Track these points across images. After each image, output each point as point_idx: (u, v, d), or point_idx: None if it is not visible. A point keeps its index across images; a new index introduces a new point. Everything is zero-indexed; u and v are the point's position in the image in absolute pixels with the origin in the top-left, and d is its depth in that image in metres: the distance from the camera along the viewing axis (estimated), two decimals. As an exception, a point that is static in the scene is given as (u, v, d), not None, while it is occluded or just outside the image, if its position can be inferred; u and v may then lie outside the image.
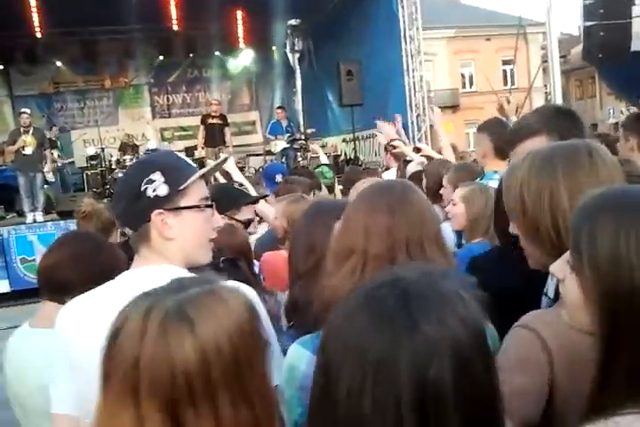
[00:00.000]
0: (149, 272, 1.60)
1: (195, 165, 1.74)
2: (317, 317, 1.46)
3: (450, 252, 1.64)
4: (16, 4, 13.29)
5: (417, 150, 5.23)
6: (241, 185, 3.60)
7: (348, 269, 1.50)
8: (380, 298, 0.89)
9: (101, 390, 1.04)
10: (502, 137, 3.57)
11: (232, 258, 2.79)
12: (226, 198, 3.16)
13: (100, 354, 1.06)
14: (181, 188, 1.61)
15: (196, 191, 1.65)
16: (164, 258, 1.62)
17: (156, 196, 1.58)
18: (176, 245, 1.62)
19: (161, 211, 1.59)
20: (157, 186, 1.58)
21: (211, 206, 1.70)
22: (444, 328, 0.85)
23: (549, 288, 1.70)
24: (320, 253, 1.80)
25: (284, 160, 12.75)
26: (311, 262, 1.89)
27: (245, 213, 3.28)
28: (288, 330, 2.02)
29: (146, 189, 1.58)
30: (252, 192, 3.68)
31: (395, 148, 5.47)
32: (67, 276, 2.09)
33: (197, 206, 1.65)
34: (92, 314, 1.52)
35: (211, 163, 1.86)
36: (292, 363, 1.52)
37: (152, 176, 1.58)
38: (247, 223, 3.27)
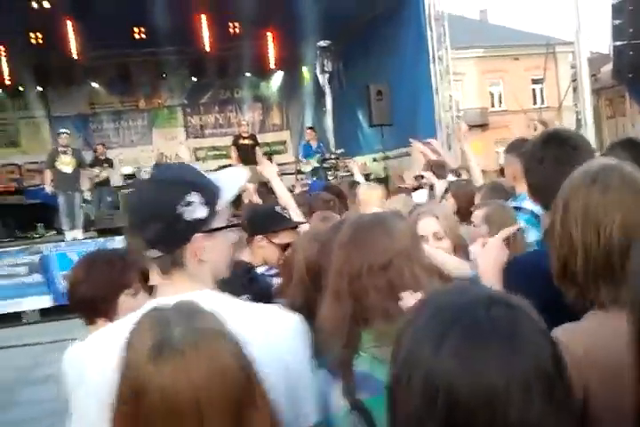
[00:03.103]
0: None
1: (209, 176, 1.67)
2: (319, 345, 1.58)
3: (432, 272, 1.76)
4: (54, 26, 13.74)
5: (457, 174, 5.36)
6: (284, 209, 3.39)
7: (328, 302, 1.65)
8: (478, 319, 0.93)
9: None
10: None
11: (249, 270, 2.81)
12: (263, 221, 3.17)
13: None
14: (218, 209, 1.54)
15: (225, 210, 1.59)
16: (198, 281, 1.54)
17: (194, 219, 1.48)
18: (208, 266, 1.55)
19: (201, 234, 1.50)
20: (196, 208, 1.48)
21: (238, 225, 1.69)
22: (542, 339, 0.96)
23: None
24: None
25: (314, 179, 12.99)
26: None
27: (284, 237, 3.19)
28: None
29: (183, 211, 1.47)
30: (296, 216, 3.55)
31: (422, 177, 5.62)
32: (82, 294, 2.24)
33: (230, 226, 1.60)
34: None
35: (231, 177, 1.71)
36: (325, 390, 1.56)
37: (188, 198, 1.47)
38: (285, 247, 3.15)
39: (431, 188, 5.45)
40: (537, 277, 1.66)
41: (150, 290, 2.33)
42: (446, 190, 4.57)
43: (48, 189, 11.59)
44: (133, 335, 1.12)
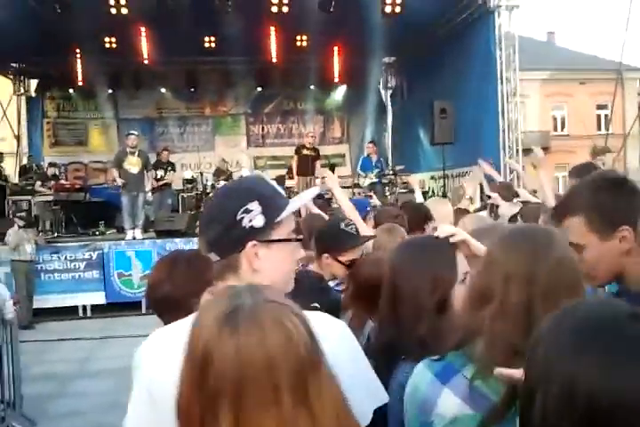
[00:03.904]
0: None
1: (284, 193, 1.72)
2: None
3: None
4: (128, 32, 14.20)
5: (515, 195, 5.32)
6: (348, 224, 3.21)
7: (488, 316, 1.49)
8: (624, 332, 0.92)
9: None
10: None
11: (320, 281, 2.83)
12: (329, 241, 3.07)
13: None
14: (277, 220, 1.57)
15: (288, 223, 1.62)
16: None
17: (251, 226, 1.54)
18: (262, 276, 1.57)
19: (256, 242, 1.55)
20: (254, 216, 1.54)
21: (300, 240, 1.67)
22: None
23: None
24: (445, 288, 1.82)
25: (371, 194, 12.99)
26: (436, 298, 1.85)
27: (349, 255, 3.07)
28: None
29: (242, 218, 1.54)
30: (363, 230, 3.43)
31: (490, 197, 5.59)
32: (164, 293, 2.28)
33: (289, 240, 1.61)
34: (176, 348, 1.49)
35: (302, 195, 1.81)
36: (416, 382, 1.58)
37: (249, 205, 1.54)
38: (350, 265, 3.05)
39: (491, 208, 5.42)
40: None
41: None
42: (517, 214, 4.53)
43: (120, 183, 11.53)
44: (205, 307, 1.17)
